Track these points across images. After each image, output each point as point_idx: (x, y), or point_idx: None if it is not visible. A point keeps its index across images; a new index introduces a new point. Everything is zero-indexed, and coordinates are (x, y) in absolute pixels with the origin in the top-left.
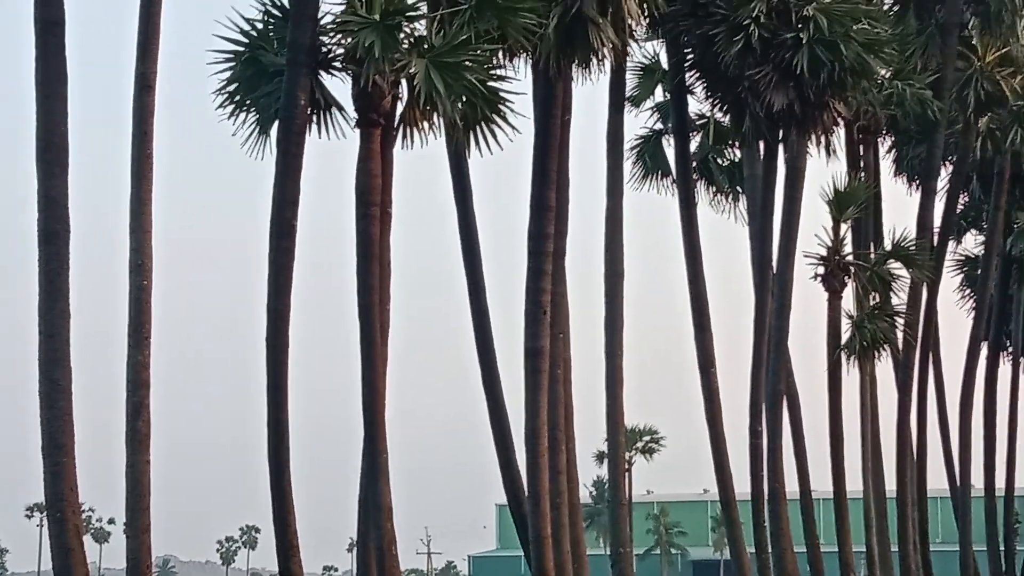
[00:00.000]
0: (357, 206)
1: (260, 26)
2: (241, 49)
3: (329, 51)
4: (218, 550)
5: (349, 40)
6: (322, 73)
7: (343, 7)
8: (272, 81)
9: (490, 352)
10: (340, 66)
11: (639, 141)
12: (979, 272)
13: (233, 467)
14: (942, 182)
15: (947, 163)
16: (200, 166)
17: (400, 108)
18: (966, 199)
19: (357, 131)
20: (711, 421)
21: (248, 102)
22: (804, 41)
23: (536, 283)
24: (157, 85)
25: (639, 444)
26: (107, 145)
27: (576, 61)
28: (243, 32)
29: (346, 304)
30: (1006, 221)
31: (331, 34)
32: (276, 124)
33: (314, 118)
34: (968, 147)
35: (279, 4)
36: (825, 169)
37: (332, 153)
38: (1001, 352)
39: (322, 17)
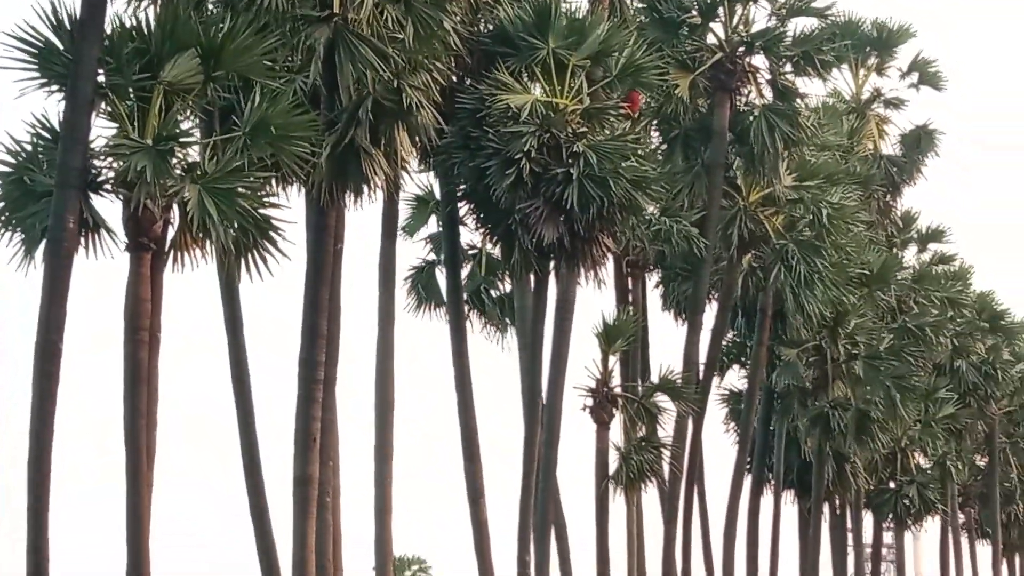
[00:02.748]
0: (126, 330)
1: (29, 148)
2: (8, 170)
3: (99, 173)
4: None
5: (120, 164)
6: (92, 195)
7: (115, 130)
8: (39, 201)
9: (258, 479)
10: (111, 189)
11: (412, 271)
12: (743, 406)
13: None
14: (708, 317)
15: (713, 299)
16: None
17: (172, 233)
18: (732, 334)
19: (127, 254)
20: (480, 551)
21: (14, 222)
22: (574, 176)
23: (306, 410)
24: None
25: (408, 573)
26: None
27: (349, 190)
28: (11, 152)
29: (113, 429)
30: (769, 357)
31: (102, 157)
32: (43, 245)
33: (83, 239)
34: (732, 284)
35: (49, 126)
36: (595, 302)
37: (100, 273)
38: (764, 484)
39: (93, 140)
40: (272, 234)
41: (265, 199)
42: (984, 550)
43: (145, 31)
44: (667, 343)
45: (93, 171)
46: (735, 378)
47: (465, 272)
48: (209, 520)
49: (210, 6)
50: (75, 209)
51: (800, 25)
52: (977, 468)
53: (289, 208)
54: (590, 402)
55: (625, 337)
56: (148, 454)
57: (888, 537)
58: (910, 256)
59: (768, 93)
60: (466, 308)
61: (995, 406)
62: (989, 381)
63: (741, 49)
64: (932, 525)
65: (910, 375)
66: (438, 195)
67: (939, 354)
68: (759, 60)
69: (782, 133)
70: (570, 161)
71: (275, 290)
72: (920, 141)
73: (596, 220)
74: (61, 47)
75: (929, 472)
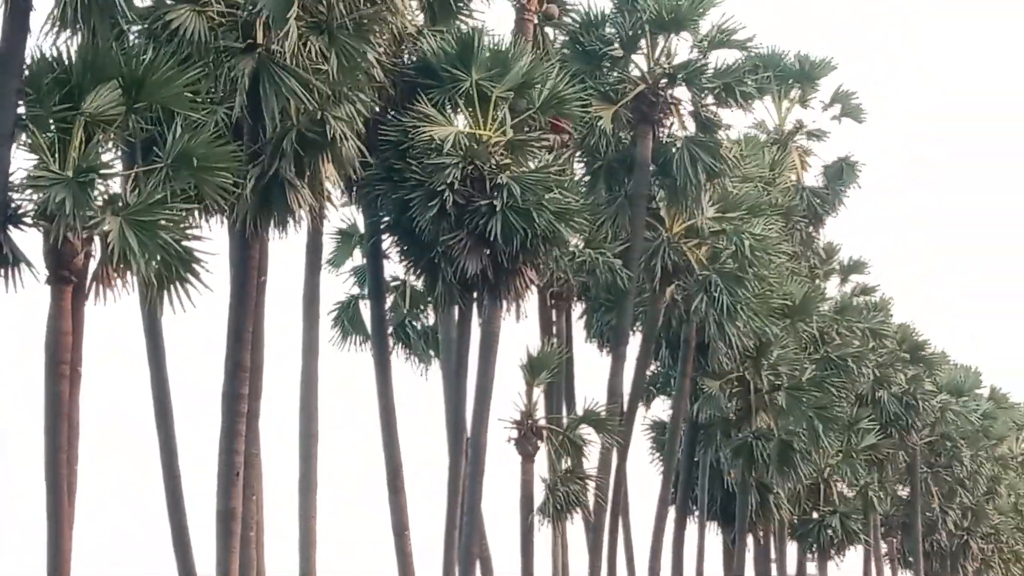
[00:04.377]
0: (46, 364)
1: None
2: None
3: (19, 206)
4: None
5: (40, 196)
6: (11, 228)
7: (35, 162)
8: None
9: (181, 513)
10: (31, 221)
11: (337, 305)
12: (667, 437)
13: None
14: (632, 349)
15: (637, 330)
16: None
17: (93, 266)
18: (656, 365)
19: (48, 287)
20: None
21: None
22: (498, 208)
23: (229, 444)
24: None
25: None
26: None
27: (273, 222)
28: None
29: (35, 463)
30: (693, 388)
31: (21, 190)
32: None
33: (2, 273)
34: (656, 315)
35: None
36: (519, 334)
37: (19, 307)
38: (688, 514)
39: (13, 172)
40: (195, 266)
41: (187, 231)
42: None
43: (66, 62)
44: (592, 374)
45: (12, 204)
46: (660, 409)
47: (389, 304)
48: (133, 554)
49: (132, 37)
50: None
51: (722, 57)
52: (899, 498)
53: (212, 240)
54: (515, 434)
55: (549, 369)
56: (69, 489)
57: (812, 567)
58: (832, 287)
59: (691, 125)
60: (391, 341)
61: (916, 436)
62: (910, 411)
63: (663, 81)
64: (855, 555)
65: (832, 406)
66: (362, 228)
67: (861, 385)
68: (681, 92)
69: (704, 165)
70: (494, 193)
71: (199, 321)
72: (842, 172)
73: (520, 252)
74: None
75: (852, 502)
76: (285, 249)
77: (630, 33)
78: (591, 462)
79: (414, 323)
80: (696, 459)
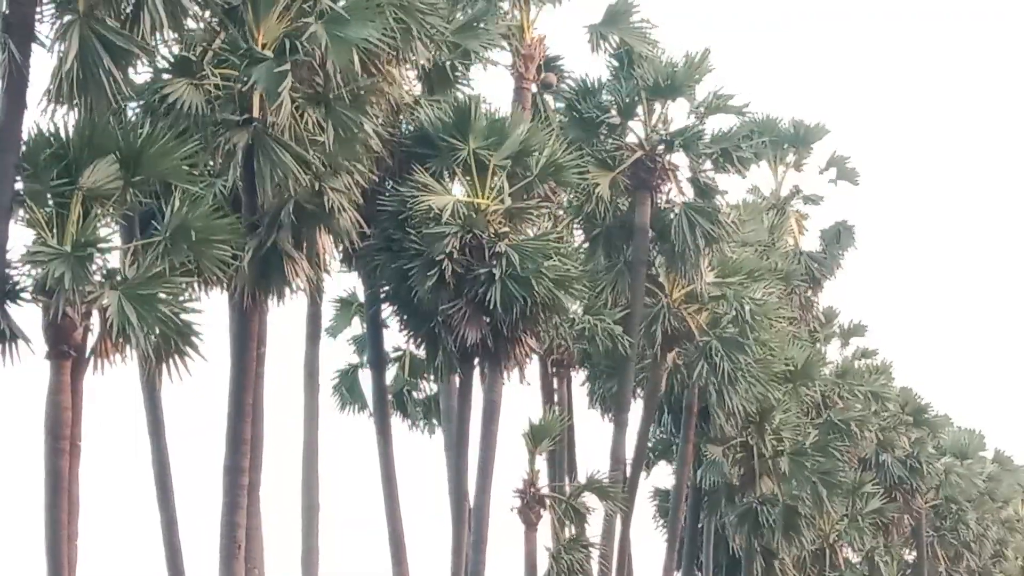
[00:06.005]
0: (46, 439)
1: None
2: None
3: (17, 281)
4: None
5: (38, 271)
6: (9, 303)
7: (33, 237)
8: None
9: None
10: (30, 297)
11: (337, 374)
12: (670, 503)
13: None
14: (634, 415)
15: (638, 396)
16: None
17: (92, 339)
18: (658, 431)
19: (47, 362)
20: None
21: None
22: (497, 276)
23: (231, 517)
24: None
25: None
26: None
27: (271, 293)
28: None
29: (35, 539)
30: (695, 454)
31: (19, 265)
32: None
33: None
34: (657, 381)
35: None
36: (521, 401)
37: (17, 382)
38: None
39: (10, 249)
40: (193, 339)
41: (186, 304)
42: None
43: (63, 137)
44: (594, 441)
45: (11, 279)
46: (663, 475)
47: (390, 374)
48: None
49: (129, 112)
50: None
51: (719, 123)
52: (905, 562)
53: (211, 312)
54: (518, 503)
55: (551, 437)
56: (70, 566)
57: None
58: (832, 351)
59: (688, 190)
60: (391, 409)
61: (921, 500)
62: (914, 475)
63: (661, 147)
64: None
65: (836, 470)
66: (361, 297)
67: (864, 448)
68: (679, 158)
69: (703, 230)
70: (492, 261)
71: (199, 393)
72: (839, 236)
73: (519, 320)
74: None
75: (858, 567)
76: (284, 318)
77: (627, 100)
78: (594, 529)
79: (414, 392)
80: (700, 525)
